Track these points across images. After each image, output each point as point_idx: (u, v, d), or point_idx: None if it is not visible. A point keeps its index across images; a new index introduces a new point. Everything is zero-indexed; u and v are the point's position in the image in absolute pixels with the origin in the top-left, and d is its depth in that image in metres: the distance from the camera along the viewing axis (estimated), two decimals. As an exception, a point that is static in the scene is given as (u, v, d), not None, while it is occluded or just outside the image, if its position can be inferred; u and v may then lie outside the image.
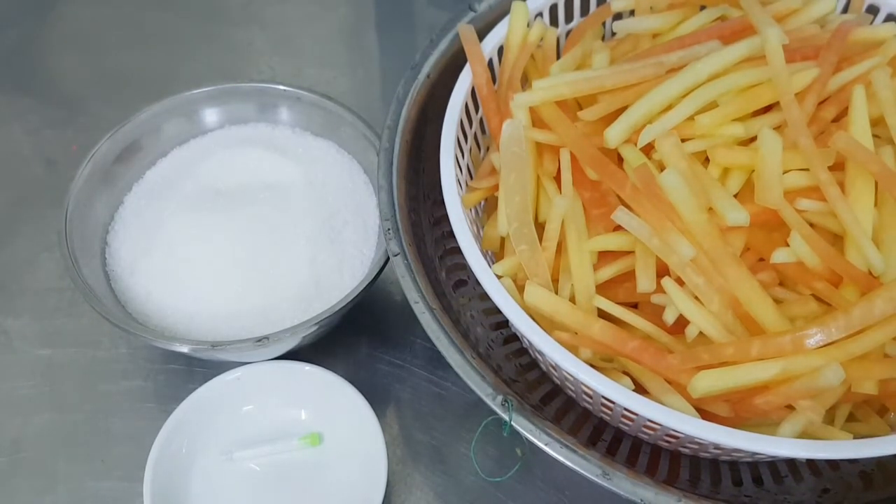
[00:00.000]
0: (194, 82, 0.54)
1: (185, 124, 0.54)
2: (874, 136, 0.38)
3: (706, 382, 0.34)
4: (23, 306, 0.54)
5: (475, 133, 0.47)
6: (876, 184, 0.37)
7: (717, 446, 0.36)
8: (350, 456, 0.45)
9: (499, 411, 0.36)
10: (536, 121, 0.42)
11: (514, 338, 0.46)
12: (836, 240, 0.38)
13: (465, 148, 0.45)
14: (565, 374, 0.37)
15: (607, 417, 0.41)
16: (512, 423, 0.36)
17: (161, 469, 0.43)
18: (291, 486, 0.45)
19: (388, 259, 0.46)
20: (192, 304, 0.47)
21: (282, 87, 0.54)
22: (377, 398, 0.46)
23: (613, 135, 0.39)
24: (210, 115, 0.55)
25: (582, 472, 0.35)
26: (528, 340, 0.38)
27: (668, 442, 0.40)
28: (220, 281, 0.47)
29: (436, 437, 0.48)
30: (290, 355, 0.47)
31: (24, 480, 0.47)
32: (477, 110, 0.47)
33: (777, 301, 0.36)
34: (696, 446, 0.39)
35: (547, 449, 0.35)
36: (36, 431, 0.49)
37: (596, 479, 0.35)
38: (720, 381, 0.34)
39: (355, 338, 0.52)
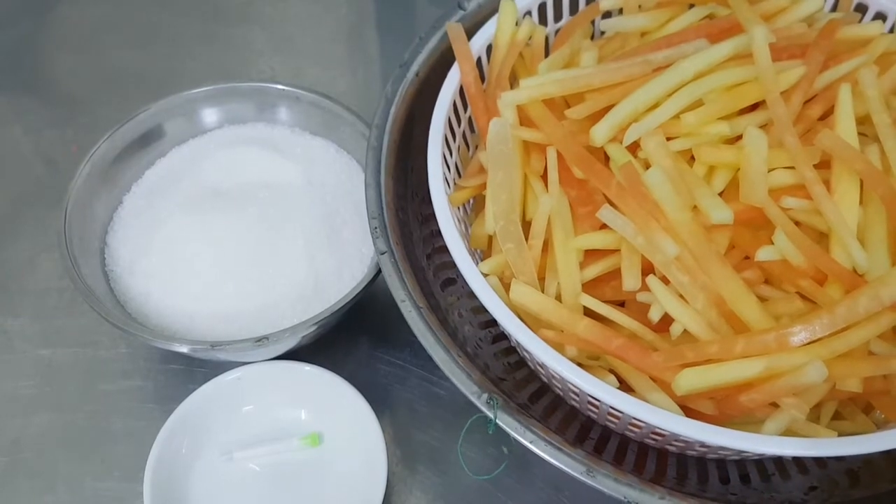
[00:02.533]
0: (194, 82, 0.54)
1: (184, 124, 0.54)
2: (860, 134, 0.38)
3: (690, 380, 0.34)
4: (23, 306, 0.54)
5: (464, 131, 0.47)
6: (861, 182, 0.37)
7: (702, 444, 0.36)
8: (350, 456, 0.45)
9: (484, 409, 0.36)
10: (524, 119, 0.42)
11: (502, 336, 0.46)
12: (821, 238, 0.38)
13: (454, 146, 0.45)
14: (552, 372, 0.37)
15: (594, 416, 0.41)
16: (497, 420, 0.36)
17: (161, 469, 0.43)
18: (291, 486, 0.45)
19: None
20: (191, 304, 0.47)
21: (280, 87, 0.54)
22: (377, 398, 0.46)
23: (599, 133, 0.39)
24: (209, 115, 0.55)
25: (566, 469, 0.35)
26: (514, 339, 0.38)
27: (654, 440, 0.40)
28: (220, 281, 0.47)
29: (435, 437, 0.48)
30: (290, 355, 0.47)
31: (24, 480, 0.47)
32: (465, 109, 0.46)
33: (762, 299, 0.36)
34: (682, 444, 0.39)
35: (531, 446, 0.35)
36: (36, 431, 0.49)
37: (580, 477, 0.35)
38: (704, 379, 0.34)
39: (355, 338, 0.52)
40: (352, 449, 0.45)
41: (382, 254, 0.41)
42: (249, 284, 0.47)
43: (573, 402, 0.42)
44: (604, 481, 0.34)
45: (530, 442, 0.35)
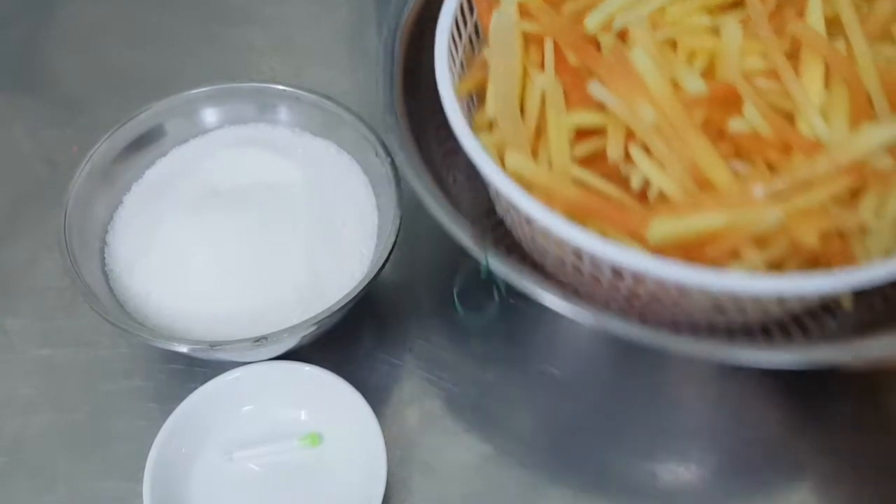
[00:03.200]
0: (195, 82, 0.54)
1: (184, 124, 0.54)
2: (829, 34, 0.41)
3: (663, 228, 0.37)
4: (23, 306, 0.54)
5: (469, 35, 0.49)
6: (827, 68, 0.40)
7: (676, 302, 0.39)
8: (350, 456, 0.45)
9: (475, 250, 0.39)
10: (524, 15, 0.45)
11: (499, 224, 0.48)
12: (789, 119, 0.40)
13: (460, 45, 0.47)
14: (539, 233, 0.40)
15: (578, 285, 0.43)
16: (488, 261, 0.38)
17: (161, 469, 0.43)
18: (291, 486, 0.45)
19: (386, 259, 0.46)
20: (191, 304, 0.47)
21: (281, 87, 0.54)
22: (377, 398, 0.46)
23: (592, 21, 0.43)
24: (209, 115, 0.55)
25: (567, 313, 0.37)
26: (504, 198, 0.40)
27: (633, 307, 0.42)
28: (220, 281, 0.47)
29: (435, 438, 0.48)
30: (290, 355, 0.47)
31: (24, 480, 0.47)
32: (472, 12, 0.48)
33: (735, 175, 0.39)
34: (657, 308, 0.41)
35: (523, 285, 0.38)
36: (36, 431, 0.49)
37: (580, 318, 0.37)
38: (675, 227, 0.37)
39: (355, 338, 0.52)
40: (351, 449, 0.45)
41: (390, 127, 0.43)
42: (249, 284, 0.47)
43: (560, 279, 0.44)
44: (610, 322, 0.37)
45: (522, 281, 0.38)
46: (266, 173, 0.51)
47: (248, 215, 0.48)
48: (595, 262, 0.38)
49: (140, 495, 0.42)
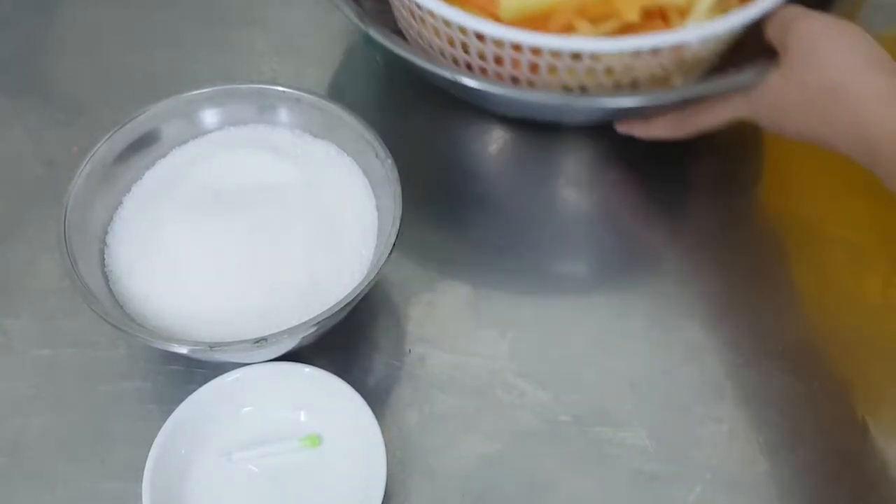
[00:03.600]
0: (195, 84, 0.54)
1: (184, 125, 0.54)
2: None
3: (512, 4, 0.46)
4: (23, 306, 0.54)
5: None
6: None
7: (531, 67, 0.47)
8: (349, 458, 0.45)
9: (358, 23, 0.49)
10: None
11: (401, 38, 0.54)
12: None
13: None
14: (423, 24, 0.50)
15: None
16: (370, 32, 0.48)
17: (160, 470, 0.43)
18: (290, 487, 0.45)
19: (386, 260, 0.46)
20: (190, 305, 0.47)
21: (281, 89, 0.54)
22: (377, 399, 0.46)
23: None
24: (209, 117, 0.55)
25: (436, 70, 0.48)
26: None
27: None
28: (219, 282, 0.47)
29: (435, 439, 0.48)
30: (289, 356, 0.47)
31: (24, 481, 0.47)
32: None
33: None
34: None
35: (397, 49, 0.48)
36: (36, 431, 0.49)
37: (449, 74, 0.48)
38: (522, 2, 0.46)
39: (355, 339, 0.52)
40: (351, 450, 0.45)
41: None
42: (249, 285, 0.47)
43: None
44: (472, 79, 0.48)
45: (396, 46, 0.48)
46: (266, 174, 0.51)
47: (248, 216, 0.48)
48: (466, 46, 0.48)
49: (139, 496, 0.42)
